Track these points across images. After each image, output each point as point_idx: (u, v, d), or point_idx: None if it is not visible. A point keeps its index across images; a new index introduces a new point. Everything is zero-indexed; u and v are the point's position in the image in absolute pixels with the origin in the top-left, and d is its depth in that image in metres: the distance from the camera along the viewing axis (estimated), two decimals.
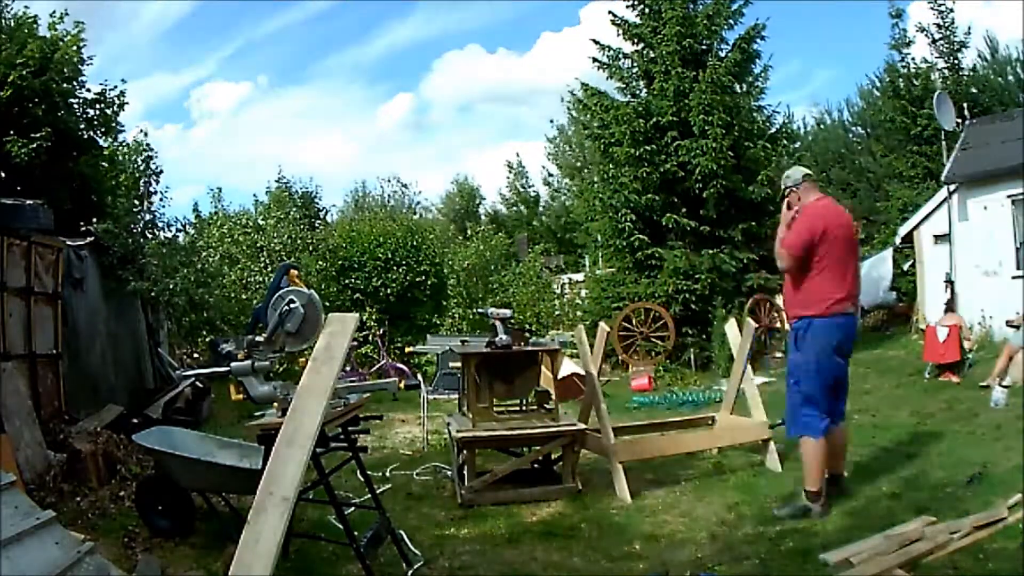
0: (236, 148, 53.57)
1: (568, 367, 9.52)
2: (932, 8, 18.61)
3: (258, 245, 15.56)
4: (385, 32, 57.81)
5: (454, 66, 53.56)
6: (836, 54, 47.74)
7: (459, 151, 55.52)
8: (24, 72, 8.52)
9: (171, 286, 9.40)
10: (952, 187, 12.81)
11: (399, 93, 56.40)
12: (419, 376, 10.85)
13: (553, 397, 5.83)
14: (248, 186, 65.29)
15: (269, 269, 14.24)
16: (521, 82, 51.39)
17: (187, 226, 12.60)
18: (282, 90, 56.51)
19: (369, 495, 4.47)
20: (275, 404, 4.08)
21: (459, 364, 6.66)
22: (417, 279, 15.51)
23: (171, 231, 10.91)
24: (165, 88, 50.27)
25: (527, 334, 6.80)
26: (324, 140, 55.06)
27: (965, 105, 14.47)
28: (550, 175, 32.81)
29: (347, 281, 15.42)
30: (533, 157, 54.13)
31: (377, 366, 12.70)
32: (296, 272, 4.30)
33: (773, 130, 14.41)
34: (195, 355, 12.32)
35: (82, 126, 9.63)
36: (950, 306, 11.72)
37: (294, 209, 19.28)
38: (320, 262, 15.48)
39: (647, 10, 14.10)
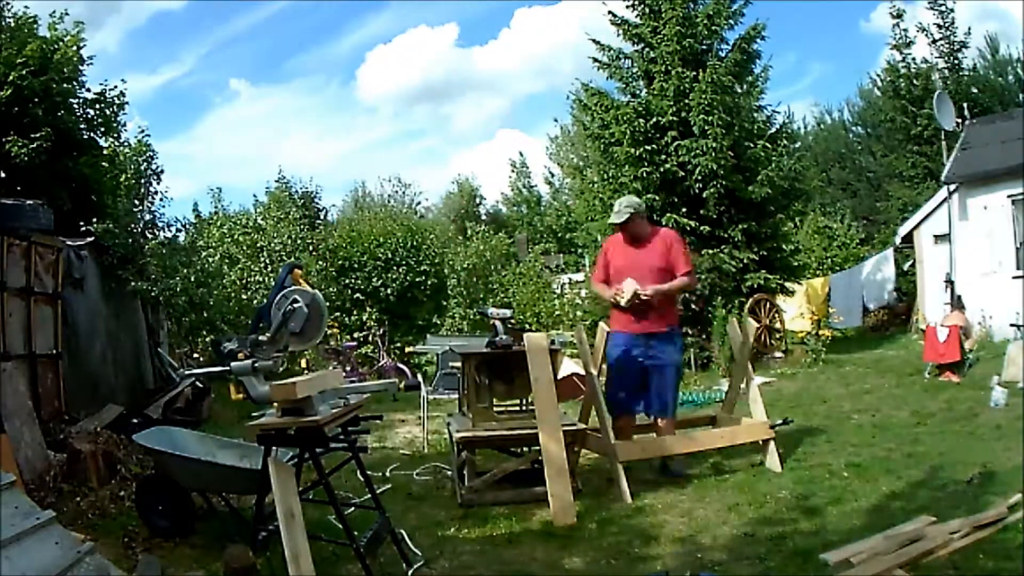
0: (220, 147, 53.49)
1: (568, 367, 9.51)
2: (931, 8, 18.64)
3: (258, 245, 15.56)
4: (359, 27, 57.60)
5: (431, 59, 53.44)
6: (832, 48, 47.79)
7: (447, 145, 55.51)
8: (24, 72, 8.52)
9: (171, 286, 9.39)
10: (952, 187, 12.82)
11: (382, 88, 56.08)
12: (419, 376, 10.84)
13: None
14: (235, 185, 65.28)
15: (269, 269, 14.24)
16: (505, 72, 51.46)
17: (187, 226, 12.61)
18: (260, 89, 56.32)
19: (369, 495, 4.47)
20: (275, 404, 4.06)
21: (459, 364, 6.66)
22: (417, 279, 15.53)
23: (171, 231, 10.91)
24: (141, 87, 50.04)
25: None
26: (311, 139, 54.91)
27: (965, 105, 14.49)
28: (552, 175, 32.85)
29: (347, 281, 15.43)
30: (528, 149, 54.07)
31: (377, 366, 12.70)
32: (300, 271, 4.30)
33: (773, 130, 14.40)
34: (195, 356, 12.31)
35: (82, 126, 9.63)
36: (956, 305, 11.73)
37: (294, 209, 19.28)
38: (320, 262, 15.49)
39: (647, 10, 14.10)
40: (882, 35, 44.36)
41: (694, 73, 13.19)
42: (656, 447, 6.09)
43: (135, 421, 7.41)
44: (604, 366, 5.96)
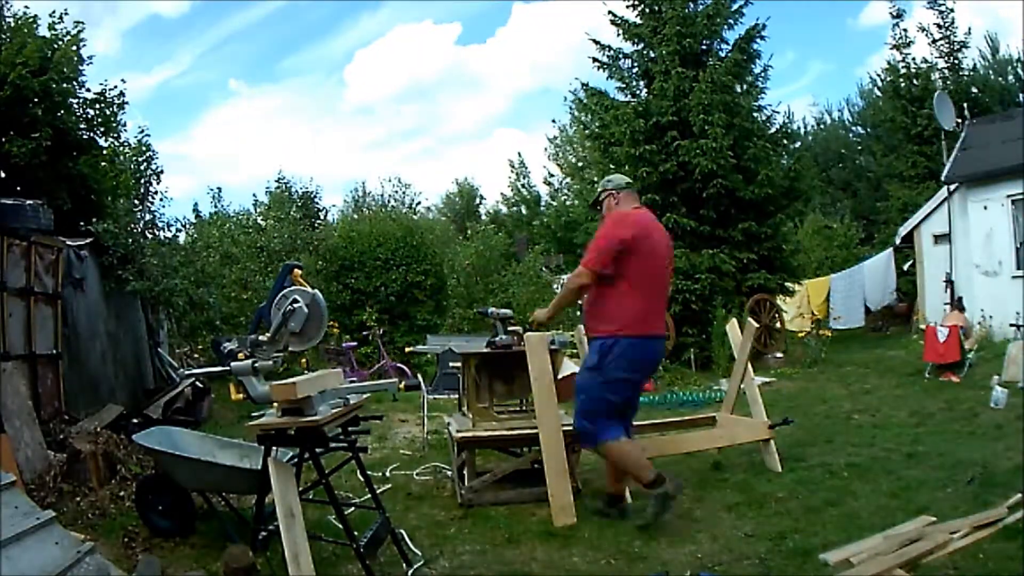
0: (219, 147, 53.40)
1: (568, 367, 9.49)
2: (931, 8, 18.65)
3: (258, 245, 15.55)
4: (357, 25, 57.42)
5: (431, 57, 53.37)
6: (828, 47, 47.79)
7: (446, 144, 55.45)
8: (24, 72, 8.50)
9: (171, 286, 9.38)
10: (952, 187, 12.83)
11: (382, 88, 55.97)
12: (419, 376, 10.84)
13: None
14: (235, 185, 65.32)
15: (269, 269, 14.23)
16: (495, 69, 51.45)
17: (187, 226, 12.59)
18: (259, 88, 56.17)
19: (369, 495, 4.47)
20: (275, 404, 4.06)
21: (459, 364, 6.66)
22: (417, 279, 15.50)
23: (171, 231, 10.90)
24: (138, 86, 49.83)
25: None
26: (310, 138, 54.77)
27: (965, 105, 14.50)
28: (551, 175, 32.83)
29: (347, 281, 15.41)
30: (527, 148, 54.02)
31: (377, 366, 12.69)
32: (300, 271, 4.30)
33: (773, 130, 14.43)
34: (195, 356, 12.31)
35: (82, 126, 9.62)
36: (955, 305, 11.72)
37: (294, 209, 19.26)
38: (320, 262, 15.48)
39: (647, 10, 14.12)
40: (873, 32, 44.46)
41: (694, 73, 13.21)
42: (655, 447, 6.10)
43: (135, 421, 7.40)
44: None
